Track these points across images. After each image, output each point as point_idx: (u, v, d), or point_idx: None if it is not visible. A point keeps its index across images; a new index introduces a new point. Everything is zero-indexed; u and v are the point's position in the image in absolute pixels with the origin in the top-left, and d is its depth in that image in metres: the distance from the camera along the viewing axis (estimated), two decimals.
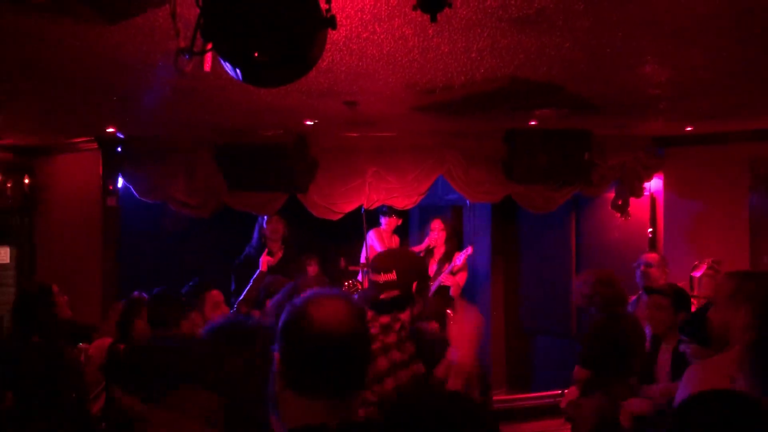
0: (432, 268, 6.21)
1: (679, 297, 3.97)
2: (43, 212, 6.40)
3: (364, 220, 6.06)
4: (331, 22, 1.82)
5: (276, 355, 1.50)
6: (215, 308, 3.96)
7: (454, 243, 6.43)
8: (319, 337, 1.47)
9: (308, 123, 5.01)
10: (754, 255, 5.62)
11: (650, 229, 6.27)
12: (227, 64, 1.81)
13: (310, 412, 1.45)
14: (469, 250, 5.95)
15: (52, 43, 2.88)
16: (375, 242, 6.40)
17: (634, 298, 4.86)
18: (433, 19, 1.92)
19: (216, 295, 4.05)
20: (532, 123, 5.23)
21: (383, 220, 6.43)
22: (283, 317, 1.53)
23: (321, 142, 5.66)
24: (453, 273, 6.01)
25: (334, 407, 1.46)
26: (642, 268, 5.00)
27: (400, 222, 6.55)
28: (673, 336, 3.88)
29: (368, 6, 2.46)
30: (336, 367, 1.48)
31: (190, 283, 4.11)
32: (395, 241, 6.65)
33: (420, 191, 5.87)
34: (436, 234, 6.24)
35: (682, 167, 6.10)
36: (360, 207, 5.87)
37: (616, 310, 4.18)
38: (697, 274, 5.26)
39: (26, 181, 6.29)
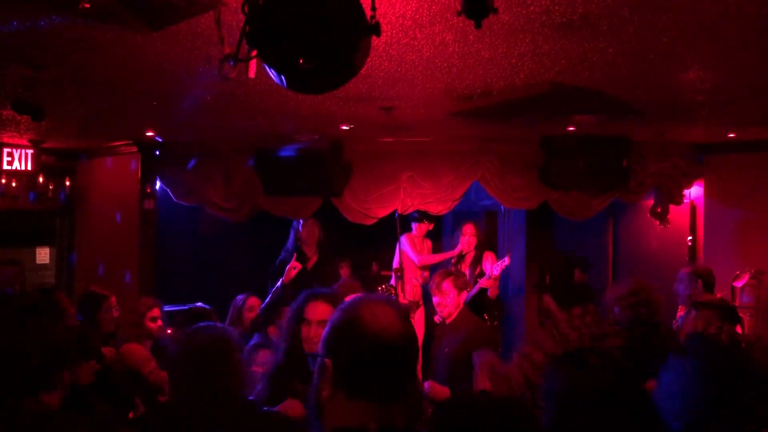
0: (465, 274, 6.16)
1: (727, 311, 3.83)
2: (83, 214, 6.52)
3: (398, 225, 6.05)
4: (375, 29, 1.81)
5: (327, 361, 1.50)
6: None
7: (486, 248, 6.36)
8: (376, 340, 1.47)
9: (344, 128, 5.02)
10: None
11: (690, 238, 6.15)
12: (272, 70, 1.82)
13: (359, 415, 1.45)
14: (506, 260, 5.88)
15: (97, 50, 2.93)
16: (407, 247, 6.37)
17: (681, 313, 4.73)
18: (478, 26, 1.90)
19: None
20: (570, 129, 5.17)
21: (414, 225, 6.40)
22: (334, 325, 1.53)
23: (356, 147, 5.67)
24: (491, 278, 5.94)
25: (382, 410, 1.47)
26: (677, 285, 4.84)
27: (431, 227, 6.51)
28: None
29: (410, 12, 2.45)
30: (391, 369, 1.49)
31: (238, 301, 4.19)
32: (428, 246, 6.61)
33: (455, 197, 5.84)
34: (468, 239, 6.19)
35: (723, 174, 5.96)
36: (394, 212, 5.86)
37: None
38: (739, 284, 5.15)
39: (67, 183, 6.42)
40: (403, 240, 6.31)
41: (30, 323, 2.51)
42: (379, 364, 1.48)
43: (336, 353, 1.50)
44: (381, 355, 1.48)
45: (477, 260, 6.18)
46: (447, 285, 4.33)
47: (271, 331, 4.16)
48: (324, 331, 1.55)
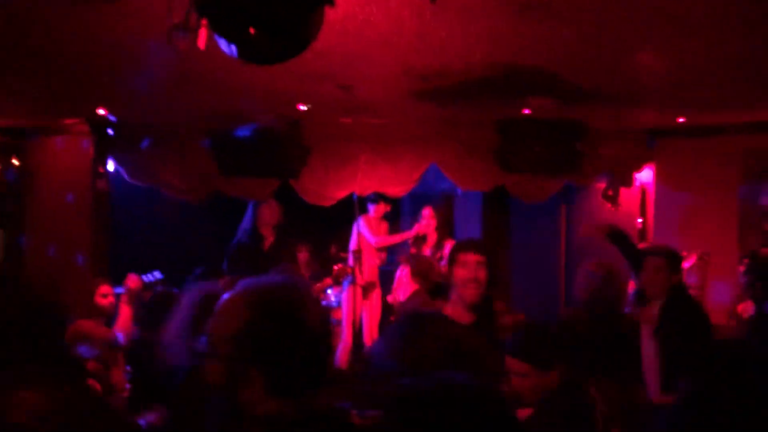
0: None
1: (674, 259, 3.96)
2: (32, 195, 6.33)
3: (357, 206, 6.05)
4: None
5: (252, 369, 1.38)
6: None
7: (445, 231, 6.41)
8: (312, 333, 1.41)
9: (302, 108, 4.98)
10: (743, 247, 5.64)
11: (640, 220, 6.29)
12: (222, 40, 1.79)
13: (280, 406, 1.38)
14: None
15: (46, 23, 2.84)
16: (365, 229, 6.37)
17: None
18: (432, 1, 1.90)
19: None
20: (526, 112, 5.22)
21: (371, 207, 6.41)
22: (261, 318, 1.40)
23: (314, 128, 5.63)
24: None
25: (308, 401, 1.41)
26: None
27: (388, 209, 6.52)
28: (663, 295, 3.87)
29: None
30: (322, 360, 1.44)
31: (197, 272, 4.05)
32: (384, 228, 6.63)
33: (412, 179, 5.86)
34: (426, 221, 6.22)
35: (673, 159, 6.11)
36: (352, 193, 5.85)
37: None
38: (687, 265, 5.28)
39: (15, 163, 6.22)
40: (361, 222, 6.31)
41: None
42: (309, 359, 1.41)
43: (269, 359, 1.39)
44: (318, 349, 1.42)
45: (438, 244, 6.21)
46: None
47: None
48: (233, 328, 1.41)
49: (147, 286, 4.27)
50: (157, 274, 4.38)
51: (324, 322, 1.49)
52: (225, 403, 1.41)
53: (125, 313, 4.18)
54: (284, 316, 1.40)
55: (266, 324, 1.39)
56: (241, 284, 1.48)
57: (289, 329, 1.39)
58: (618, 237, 4.57)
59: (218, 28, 1.71)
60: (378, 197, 6.19)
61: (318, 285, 5.60)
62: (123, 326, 4.14)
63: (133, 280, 4.31)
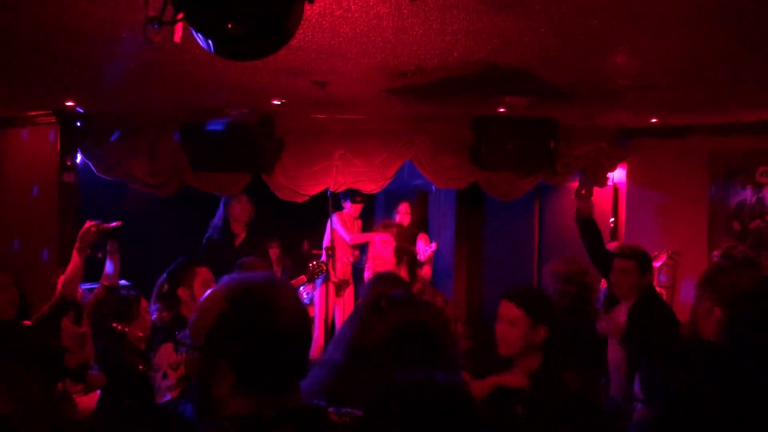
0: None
1: (644, 260, 3.99)
2: None
3: (330, 203, 6.01)
4: None
5: (222, 361, 1.37)
6: (205, 285, 3.69)
7: (420, 228, 6.42)
8: (285, 333, 1.39)
9: (275, 102, 4.92)
10: (712, 246, 5.73)
11: (612, 219, 6.36)
12: (199, 35, 1.74)
13: (255, 405, 1.37)
14: (433, 246, 5.94)
15: (11, 10, 2.75)
16: (339, 226, 6.35)
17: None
18: None
19: (205, 272, 3.88)
20: (501, 110, 5.23)
21: (348, 204, 6.38)
22: (232, 317, 1.39)
23: (288, 123, 5.57)
24: (419, 264, 5.99)
25: (279, 398, 1.39)
26: None
27: (362, 206, 6.50)
28: (632, 296, 3.90)
29: None
30: (297, 359, 1.43)
31: (178, 260, 3.96)
32: (358, 225, 6.61)
33: (387, 175, 5.84)
34: (402, 217, 6.22)
35: (645, 159, 6.18)
36: (326, 190, 5.81)
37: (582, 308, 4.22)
38: (657, 264, 5.36)
39: None
40: (335, 218, 6.28)
41: None
42: (290, 356, 1.40)
43: (239, 352, 1.38)
44: (291, 346, 1.40)
45: (412, 239, 6.23)
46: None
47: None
48: (208, 321, 1.41)
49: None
50: (124, 282, 4.29)
51: (302, 321, 1.45)
52: (199, 397, 1.40)
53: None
54: (257, 311, 1.38)
55: (238, 318, 1.38)
56: (223, 279, 1.48)
57: (261, 324, 1.37)
58: (589, 229, 4.60)
59: (195, 22, 1.66)
60: (355, 194, 6.17)
61: (292, 282, 5.54)
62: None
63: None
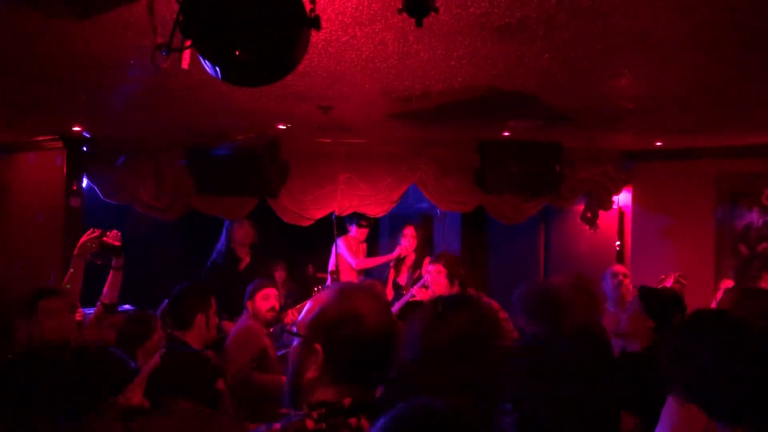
0: (403, 276, 6.18)
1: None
2: (2, 212, 6.19)
3: (335, 227, 6.00)
4: (314, 23, 1.78)
5: (317, 346, 1.57)
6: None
7: (426, 251, 6.41)
8: (371, 332, 1.57)
9: (281, 127, 4.95)
10: (719, 269, 5.71)
11: (618, 242, 6.34)
12: (206, 61, 1.76)
13: (340, 394, 1.55)
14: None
15: (19, 37, 2.78)
16: (344, 250, 6.34)
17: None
18: (419, 24, 1.89)
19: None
20: (506, 134, 5.24)
21: (353, 228, 6.37)
22: (328, 312, 1.60)
23: (293, 147, 5.59)
24: (425, 287, 5.96)
25: (363, 391, 1.58)
26: (620, 278, 5.04)
27: (367, 230, 6.49)
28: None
29: (350, 9, 2.43)
30: (377, 361, 1.60)
31: (184, 285, 3.92)
32: (363, 249, 6.60)
33: (392, 199, 5.84)
34: (408, 241, 6.21)
35: (650, 182, 6.18)
36: (331, 213, 5.82)
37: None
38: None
39: None
40: (340, 243, 6.27)
41: None
42: (371, 355, 1.59)
43: (330, 341, 1.57)
44: (374, 347, 1.59)
45: (418, 263, 6.20)
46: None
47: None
48: (312, 315, 1.62)
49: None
50: (128, 307, 4.28)
51: (387, 328, 1.63)
52: (293, 381, 1.62)
53: None
54: (351, 309, 1.59)
55: (335, 311, 1.60)
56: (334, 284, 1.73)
57: (351, 320, 1.57)
58: None
59: (203, 49, 1.68)
60: (360, 218, 6.16)
61: (299, 306, 5.53)
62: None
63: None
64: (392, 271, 6.24)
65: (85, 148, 5.57)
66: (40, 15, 2.48)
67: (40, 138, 5.69)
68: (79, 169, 5.63)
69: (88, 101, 4.12)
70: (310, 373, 1.57)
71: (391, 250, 6.30)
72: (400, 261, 6.25)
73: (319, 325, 1.60)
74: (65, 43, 2.84)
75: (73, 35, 2.74)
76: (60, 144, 5.60)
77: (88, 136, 5.40)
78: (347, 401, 1.53)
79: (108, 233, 4.05)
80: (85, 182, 5.69)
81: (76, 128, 5.13)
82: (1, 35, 2.76)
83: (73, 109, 4.46)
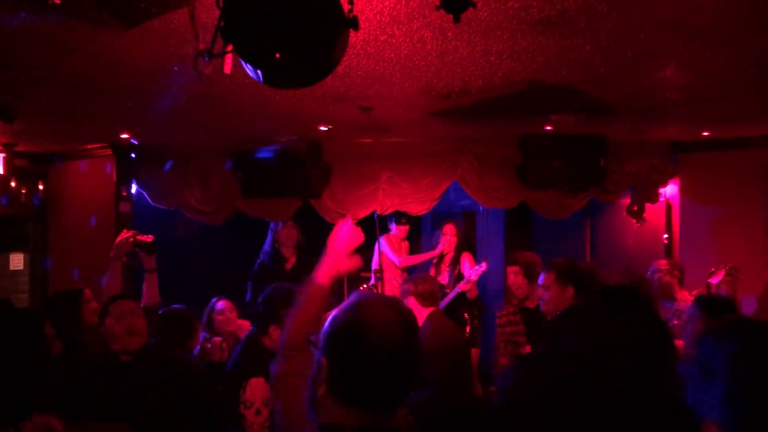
0: (444, 274, 6.16)
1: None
2: (56, 219, 6.40)
3: (377, 225, 6.04)
4: (353, 23, 1.79)
5: (323, 361, 1.45)
6: None
7: (464, 249, 6.37)
8: (373, 351, 1.42)
9: (322, 129, 4.99)
10: None
11: (666, 236, 6.21)
12: (248, 65, 1.79)
13: (347, 417, 1.42)
14: (483, 266, 5.87)
15: (68, 48, 2.87)
16: (387, 249, 6.37)
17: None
18: (457, 20, 1.89)
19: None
20: (548, 128, 5.19)
21: (394, 227, 6.40)
22: (334, 324, 1.48)
23: (335, 148, 5.65)
24: (469, 282, 5.93)
25: (373, 417, 1.42)
26: (657, 275, 4.95)
27: (408, 228, 6.50)
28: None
29: (387, 8, 2.44)
30: (385, 381, 1.43)
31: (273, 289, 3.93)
32: (405, 247, 6.62)
33: (434, 197, 5.84)
34: (448, 238, 6.19)
35: (698, 173, 6.03)
36: (373, 213, 5.85)
37: None
38: (715, 280, 5.18)
39: (41, 187, 6.30)
40: (383, 241, 6.30)
41: None
42: (377, 374, 1.42)
43: (333, 355, 1.45)
44: (381, 366, 1.42)
45: (456, 260, 6.20)
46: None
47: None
48: (324, 326, 1.51)
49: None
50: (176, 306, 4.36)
51: (398, 345, 1.45)
52: (310, 397, 1.50)
53: None
54: (355, 323, 1.45)
55: (340, 324, 1.47)
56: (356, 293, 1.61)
57: (355, 335, 1.43)
58: None
59: (244, 53, 1.71)
60: (400, 217, 6.18)
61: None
62: None
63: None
64: (433, 269, 6.24)
65: (133, 155, 5.72)
66: (86, 27, 2.55)
67: (91, 146, 5.87)
68: (128, 176, 5.79)
69: (135, 109, 4.23)
70: (321, 389, 1.46)
71: (434, 248, 6.29)
72: (440, 258, 6.24)
73: (325, 338, 1.49)
74: (110, 52, 2.92)
75: (118, 45, 2.82)
76: (109, 151, 5.77)
77: (135, 143, 5.55)
78: (352, 427, 1.39)
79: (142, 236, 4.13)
80: (134, 188, 5.84)
81: (124, 135, 5.27)
82: (50, 49, 2.86)
83: (120, 117, 4.59)
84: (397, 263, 6.30)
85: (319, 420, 1.46)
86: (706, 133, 5.57)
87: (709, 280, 5.15)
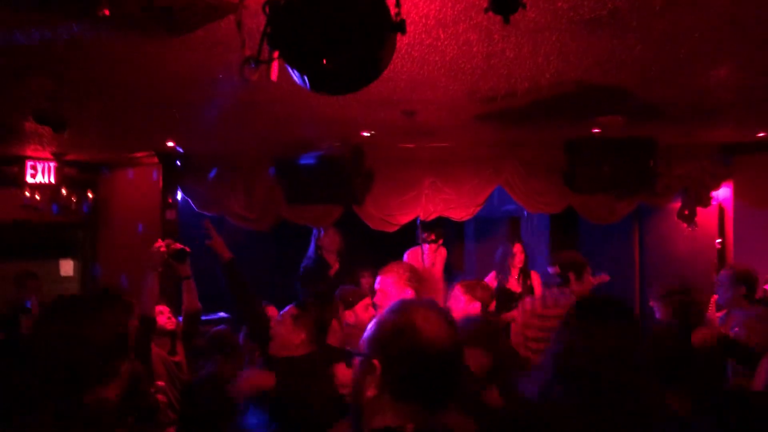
0: (516, 287, 5.95)
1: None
2: (105, 226, 6.53)
3: (420, 231, 5.99)
4: (400, 27, 1.76)
5: (375, 362, 1.51)
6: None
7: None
8: (429, 346, 1.49)
9: (365, 134, 4.97)
10: None
11: (719, 240, 6.01)
12: (294, 71, 1.77)
13: (402, 417, 1.47)
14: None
15: (116, 59, 2.91)
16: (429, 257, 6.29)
17: (721, 314, 4.60)
18: (506, 21, 1.85)
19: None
20: (595, 131, 5.07)
21: (426, 246, 6.20)
22: (384, 326, 1.55)
23: (377, 154, 5.62)
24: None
25: (427, 414, 1.49)
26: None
27: (437, 243, 6.32)
28: None
29: (433, 12, 2.40)
30: (439, 376, 1.51)
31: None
32: (442, 255, 6.46)
33: (477, 202, 5.77)
34: (519, 257, 5.99)
35: (753, 175, 5.83)
36: (416, 218, 5.80)
37: None
38: None
39: (90, 195, 6.45)
40: (426, 249, 6.16)
41: (91, 314, 2.37)
42: (430, 370, 1.50)
43: (387, 356, 1.51)
44: (433, 362, 1.50)
45: (526, 275, 5.99)
46: (458, 290, 4.20)
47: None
48: (370, 330, 1.56)
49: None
50: (222, 314, 4.39)
51: (446, 346, 1.53)
52: (354, 402, 1.56)
53: None
54: (407, 325, 1.51)
55: (391, 326, 1.54)
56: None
57: (407, 337, 1.50)
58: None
59: (291, 59, 1.69)
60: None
61: None
62: None
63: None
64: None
65: (179, 163, 5.80)
66: (133, 36, 2.58)
67: (138, 155, 5.98)
68: (174, 183, 5.87)
69: (181, 118, 4.28)
70: (370, 392, 1.51)
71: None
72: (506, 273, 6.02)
73: (376, 339, 1.55)
74: (157, 62, 2.95)
75: (164, 55, 2.84)
76: (155, 160, 5.86)
77: (181, 151, 5.62)
78: (410, 427, 1.45)
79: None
80: (179, 195, 5.92)
81: (170, 144, 5.34)
82: (99, 60, 2.90)
83: (166, 126, 4.65)
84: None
85: (370, 424, 1.49)
86: (761, 134, 5.38)
87: (765, 287, 4.96)
